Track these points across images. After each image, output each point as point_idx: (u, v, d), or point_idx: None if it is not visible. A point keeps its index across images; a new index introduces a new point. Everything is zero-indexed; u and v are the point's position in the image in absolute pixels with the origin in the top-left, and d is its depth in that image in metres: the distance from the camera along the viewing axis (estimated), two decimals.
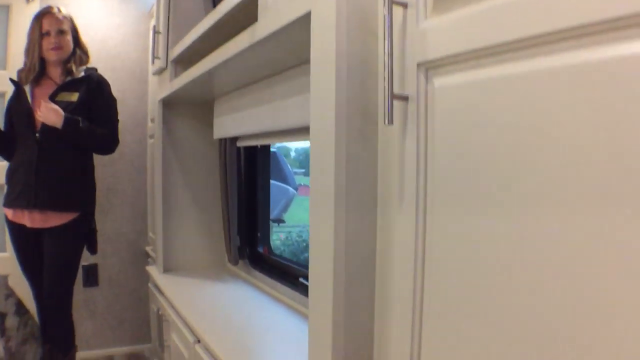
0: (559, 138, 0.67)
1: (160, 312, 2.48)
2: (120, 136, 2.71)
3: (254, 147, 2.64)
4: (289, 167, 7.89)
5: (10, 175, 2.58)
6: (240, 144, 2.50)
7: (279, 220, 7.05)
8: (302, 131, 1.85)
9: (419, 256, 0.94)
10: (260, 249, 2.62)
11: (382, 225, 1.05)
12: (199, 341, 1.93)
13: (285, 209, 7.27)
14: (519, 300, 0.74)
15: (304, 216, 6.72)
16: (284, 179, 7.39)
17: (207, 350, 1.82)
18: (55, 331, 2.59)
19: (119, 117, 2.70)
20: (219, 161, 2.70)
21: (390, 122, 0.94)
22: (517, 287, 0.74)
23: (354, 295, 1.08)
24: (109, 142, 2.63)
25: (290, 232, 6.94)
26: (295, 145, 7.92)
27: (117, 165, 3.44)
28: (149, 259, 3.35)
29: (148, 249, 3.40)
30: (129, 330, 3.53)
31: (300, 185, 7.76)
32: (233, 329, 1.93)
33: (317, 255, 1.12)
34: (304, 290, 2.07)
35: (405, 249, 0.97)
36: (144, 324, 3.46)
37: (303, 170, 8.47)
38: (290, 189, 7.31)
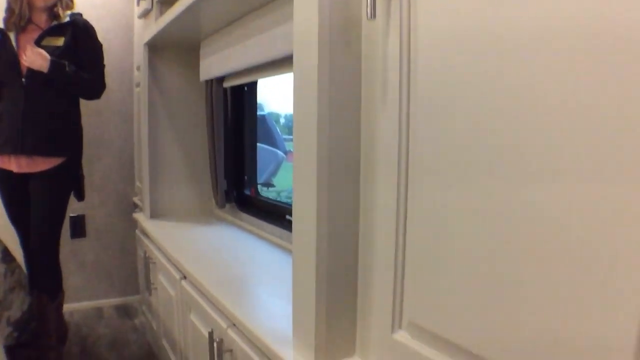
0: None
1: (147, 255, 2.47)
2: (107, 86, 2.66)
3: (241, 90, 2.60)
4: (279, 131, 7.84)
5: None
6: (227, 84, 2.46)
7: (268, 184, 7.02)
8: (287, 62, 1.82)
9: (402, 154, 0.92)
10: (248, 192, 2.60)
11: (366, 127, 1.03)
12: (185, 277, 1.92)
13: (274, 173, 7.25)
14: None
15: (290, 182, 6.67)
16: (273, 143, 7.35)
17: (193, 285, 1.81)
18: (43, 277, 2.57)
19: (105, 64, 2.65)
20: (206, 105, 2.66)
21: (373, 16, 0.91)
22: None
23: (335, 212, 1.06)
24: (95, 87, 2.59)
25: (279, 193, 6.93)
26: (285, 112, 7.86)
27: (104, 115, 3.39)
28: (137, 209, 3.33)
29: (136, 199, 3.37)
30: (118, 282, 3.51)
31: (289, 151, 7.73)
32: (219, 265, 1.91)
33: (301, 170, 1.11)
34: (290, 227, 2.05)
35: (389, 146, 0.95)
36: (133, 276, 3.46)
37: (292, 137, 8.43)
38: (280, 152, 7.27)
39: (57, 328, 2.64)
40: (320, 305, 1.11)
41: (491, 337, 0.78)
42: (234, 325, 1.48)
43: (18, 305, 2.65)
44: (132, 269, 3.45)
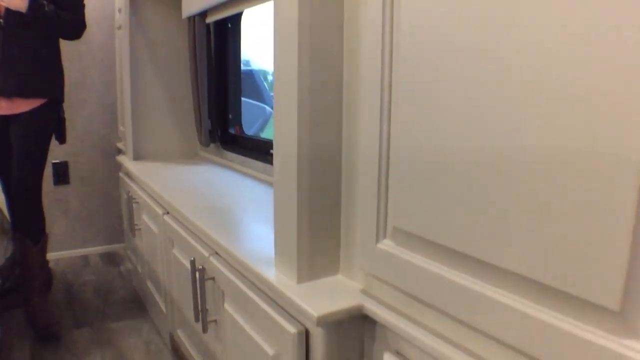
0: None
1: (130, 196, 2.41)
2: (87, 30, 2.57)
3: (224, 27, 2.52)
4: (267, 87, 7.76)
5: None
6: (210, 19, 2.38)
7: None
8: None
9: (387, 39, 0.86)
10: (232, 131, 2.54)
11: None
12: (167, 212, 1.87)
13: (262, 128, 7.20)
14: None
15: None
16: (261, 98, 7.29)
17: (176, 218, 1.77)
18: (25, 220, 2.52)
19: (85, 3, 2.56)
20: (188, 43, 2.58)
21: None
22: None
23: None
24: (75, 26, 2.49)
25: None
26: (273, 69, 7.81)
27: (85, 60, 3.29)
28: (121, 155, 3.26)
29: (119, 144, 3.30)
30: (103, 229, 3.46)
31: None
32: (203, 198, 1.86)
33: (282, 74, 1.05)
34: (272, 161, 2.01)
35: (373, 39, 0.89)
36: (118, 223, 3.40)
37: None
38: (267, 107, 7.21)
39: (41, 272, 2.60)
40: (302, 221, 1.07)
41: (477, 234, 0.73)
42: (216, 253, 1.44)
43: (1, 252, 2.60)
44: (117, 216, 3.40)
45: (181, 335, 1.92)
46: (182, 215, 1.66)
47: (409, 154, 0.85)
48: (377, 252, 0.95)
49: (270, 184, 1.99)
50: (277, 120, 1.10)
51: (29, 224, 2.52)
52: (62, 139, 2.60)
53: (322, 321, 0.98)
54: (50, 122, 2.51)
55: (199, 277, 1.46)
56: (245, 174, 2.22)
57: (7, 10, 2.32)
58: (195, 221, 1.56)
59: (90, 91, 3.33)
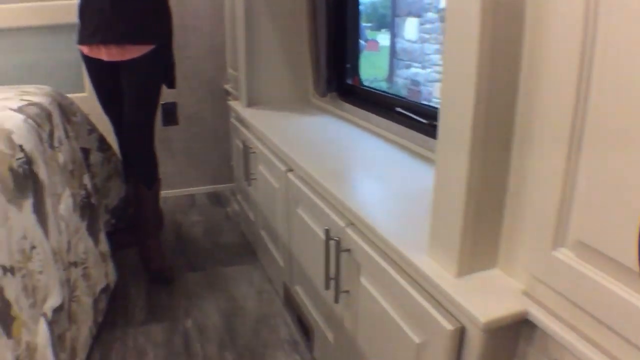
0: None
1: (246, 145, 2.39)
2: None
3: None
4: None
5: (82, 11, 2.45)
6: None
7: None
8: None
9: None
10: (350, 81, 2.45)
11: None
12: (291, 170, 1.83)
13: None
14: None
15: (369, 71, 6.49)
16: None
17: (302, 178, 1.72)
18: (138, 165, 2.56)
19: None
20: None
21: None
22: None
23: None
24: None
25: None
26: None
27: (193, 1, 3.26)
28: (229, 97, 3.25)
29: (227, 86, 3.28)
30: (209, 169, 3.50)
31: (369, 39, 7.51)
32: (328, 158, 1.81)
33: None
34: (399, 120, 1.92)
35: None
36: (224, 164, 3.42)
37: (370, 25, 8.19)
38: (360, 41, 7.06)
39: (154, 216, 2.65)
40: (469, 207, 0.99)
41: None
42: (352, 224, 1.39)
43: (115, 193, 2.65)
44: (223, 156, 3.42)
45: (300, 292, 1.91)
46: (311, 177, 1.62)
47: (604, 150, 0.75)
48: (553, 260, 0.87)
49: (395, 143, 1.91)
50: (447, 90, 1.01)
51: (143, 169, 2.56)
52: (171, 84, 2.60)
53: (489, 327, 0.92)
54: (160, 67, 2.50)
55: (335, 248, 1.42)
56: (365, 128, 2.14)
57: None
58: (327, 186, 1.50)
59: (198, 33, 3.30)
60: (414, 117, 1.82)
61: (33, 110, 1.84)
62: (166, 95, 3.14)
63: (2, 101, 1.95)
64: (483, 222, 1.01)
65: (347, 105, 2.35)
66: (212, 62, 3.37)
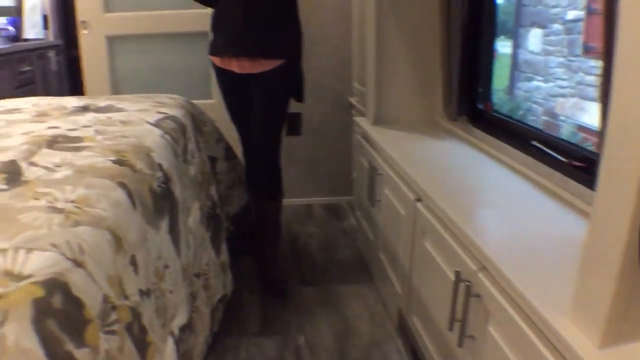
0: None
1: (372, 165, 2.36)
2: None
3: None
4: None
5: (216, 22, 2.51)
6: None
7: None
8: None
9: None
10: (481, 106, 2.37)
11: None
12: (420, 199, 1.78)
13: None
14: None
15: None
16: None
17: (432, 211, 1.67)
18: (263, 176, 2.60)
19: None
20: (440, 5, 2.43)
21: None
22: None
23: None
24: None
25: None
26: None
27: (322, 12, 3.27)
28: (353, 111, 3.23)
29: (352, 99, 3.27)
30: (328, 181, 3.51)
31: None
32: (459, 190, 1.75)
33: None
34: (535, 154, 1.83)
35: None
36: (344, 176, 3.41)
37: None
38: None
39: (273, 227, 2.68)
40: (622, 277, 0.91)
41: None
42: (485, 268, 1.32)
43: (237, 201, 2.71)
44: (343, 168, 3.41)
45: (417, 324, 1.86)
46: (442, 211, 1.56)
47: None
48: None
49: (531, 180, 1.81)
50: (614, 137, 0.92)
51: (267, 182, 2.60)
52: (300, 97, 2.61)
53: None
54: (289, 81, 2.52)
55: (464, 292, 1.36)
56: (497, 158, 2.05)
57: None
58: (460, 224, 1.45)
59: (325, 45, 3.32)
60: (553, 154, 1.73)
61: (169, 124, 1.90)
62: (291, 105, 3.17)
63: (139, 113, 2.03)
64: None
65: (478, 131, 2.27)
66: (337, 74, 3.38)
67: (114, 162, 1.41)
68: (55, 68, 5.83)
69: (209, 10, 2.54)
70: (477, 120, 2.32)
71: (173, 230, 1.50)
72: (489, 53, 2.38)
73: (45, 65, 5.62)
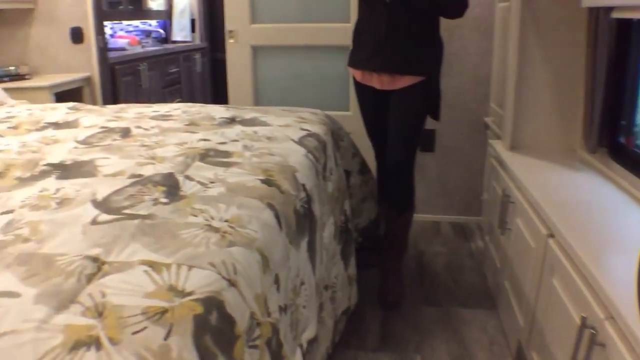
0: None
1: (505, 193, 2.36)
2: None
3: (628, 23, 2.25)
4: None
5: (358, 36, 2.60)
6: (617, 14, 2.14)
7: None
8: None
9: None
10: (623, 140, 2.30)
11: None
12: (552, 235, 1.78)
13: None
14: None
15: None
16: None
17: (564, 250, 1.66)
18: (395, 192, 2.66)
19: None
20: (587, 35, 2.38)
21: None
22: None
23: None
24: (457, 6, 2.44)
25: None
26: None
27: (461, 30, 3.28)
28: (488, 131, 3.22)
29: (488, 120, 3.25)
30: (458, 200, 3.51)
31: None
32: (591, 228, 1.71)
33: None
34: None
35: None
36: (473, 197, 3.41)
37: None
38: None
39: (400, 241, 2.74)
40: None
41: None
42: (612, 317, 1.32)
43: (367, 214, 2.79)
44: (474, 188, 3.42)
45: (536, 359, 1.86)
46: (574, 252, 1.55)
47: None
48: None
49: None
50: None
51: (399, 196, 2.66)
52: (437, 115, 2.65)
53: None
54: (427, 99, 2.56)
55: (588, 339, 1.36)
56: (637, 199, 1.99)
57: None
58: (591, 268, 1.44)
59: (463, 62, 3.34)
60: None
61: (312, 143, 2.01)
62: (427, 122, 3.21)
63: (283, 129, 2.16)
64: None
65: (617, 166, 2.21)
66: (474, 93, 3.38)
67: (263, 181, 1.54)
68: (200, 69, 6.22)
69: (350, 25, 2.64)
70: (618, 154, 2.26)
71: (311, 249, 1.61)
72: (635, 86, 2.31)
73: (191, 66, 6.01)
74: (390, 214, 2.69)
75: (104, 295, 0.98)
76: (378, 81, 2.53)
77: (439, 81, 2.60)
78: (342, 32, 3.34)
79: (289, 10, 3.55)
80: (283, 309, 1.28)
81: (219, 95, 6.28)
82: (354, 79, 2.68)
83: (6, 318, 0.93)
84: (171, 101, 5.36)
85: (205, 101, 6.30)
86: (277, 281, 1.27)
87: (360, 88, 2.66)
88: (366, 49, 2.54)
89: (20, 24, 4.14)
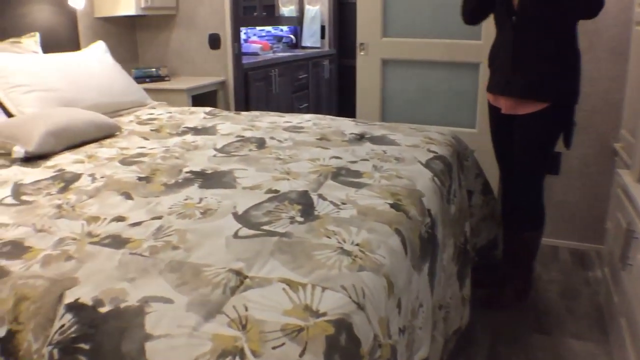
0: None
1: (630, 227, 2.30)
2: (601, 20, 2.38)
3: None
4: None
5: (492, 60, 2.62)
6: None
7: None
8: None
9: None
10: None
11: None
12: None
13: None
14: None
15: None
16: None
17: None
18: (515, 215, 2.66)
19: None
20: None
21: None
22: None
23: None
24: (593, 4, 2.21)
25: None
26: None
27: (595, 51, 3.20)
28: (616, 158, 3.13)
29: (617, 146, 3.15)
30: (580, 226, 3.42)
31: None
32: None
33: None
34: None
35: None
36: (597, 224, 3.30)
37: None
38: None
39: (514, 265, 2.73)
40: None
41: None
42: None
43: (485, 234, 2.80)
44: (598, 215, 3.33)
45: None
46: None
47: None
48: None
49: None
50: None
51: (518, 218, 2.66)
52: (568, 144, 2.57)
53: None
54: (556, 126, 2.51)
55: None
56: None
57: (521, 6, 2.34)
58: None
59: (595, 84, 3.25)
60: None
61: (438, 166, 2.07)
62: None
63: (411, 150, 2.23)
64: None
65: None
66: (604, 117, 3.29)
67: (391, 206, 1.63)
68: (327, 76, 6.38)
69: (481, 42, 2.65)
70: None
71: (432, 272, 1.68)
72: None
73: (319, 72, 6.18)
74: (509, 235, 2.71)
75: (246, 308, 1.10)
76: (504, 104, 2.53)
77: (574, 109, 2.51)
78: (472, 49, 3.36)
79: (420, 25, 3.62)
80: (402, 331, 1.36)
81: (345, 102, 6.42)
82: (488, 100, 2.69)
83: (162, 322, 1.07)
84: (299, 107, 5.57)
85: (331, 107, 6.48)
86: (399, 305, 1.34)
87: (491, 109, 2.69)
88: (497, 73, 2.56)
89: (162, 28, 4.47)
